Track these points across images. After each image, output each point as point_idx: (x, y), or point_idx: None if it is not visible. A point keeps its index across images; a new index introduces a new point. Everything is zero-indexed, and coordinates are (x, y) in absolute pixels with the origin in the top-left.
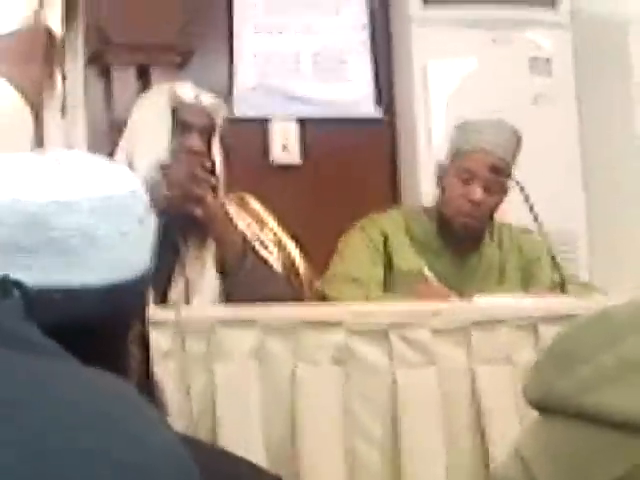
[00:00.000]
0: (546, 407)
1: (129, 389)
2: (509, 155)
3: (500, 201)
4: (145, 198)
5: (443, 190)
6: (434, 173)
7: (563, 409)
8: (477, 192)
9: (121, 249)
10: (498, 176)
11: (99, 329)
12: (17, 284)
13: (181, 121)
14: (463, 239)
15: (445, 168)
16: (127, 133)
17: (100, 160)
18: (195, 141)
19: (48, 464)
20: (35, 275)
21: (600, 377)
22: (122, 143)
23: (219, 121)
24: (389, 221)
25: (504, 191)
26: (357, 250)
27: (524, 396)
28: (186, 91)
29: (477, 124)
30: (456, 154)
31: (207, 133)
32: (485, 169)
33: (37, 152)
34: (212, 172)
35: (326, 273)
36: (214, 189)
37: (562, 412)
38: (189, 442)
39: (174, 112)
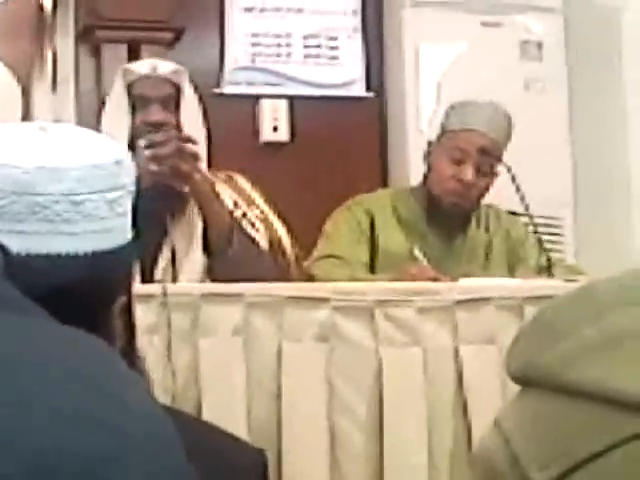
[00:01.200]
0: (527, 381)
1: (110, 350)
2: (501, 137)
3: (490, 184)
4: (131, 168)
5: (430, 168)
6: (423, 152)
7: (544, 383)
8: (468, 173)
9: (107, 217)
10: (489, 158)
11: (83, 297)
12: None
13: (139, 95)
14: (450, 220)
15: (434, 145)
16: (103, 116)
17: (86, 130)
18: (156, 114)
19: (30, 425)
20: (22, 241)
21: (582, 351)
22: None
23: (184, 88)
24: (375, 202)
25: (494, 174)
26: (343, 231)
27: (506, 370)
28: (141, 65)
29: (471, 104)
30: (447, 132)
31: (170, 103)
32: (477, 149)
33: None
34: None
35: (312, 254)
36: (196, 159)
37: (543, 386)
38: (172, 413)
39: (130, 88)
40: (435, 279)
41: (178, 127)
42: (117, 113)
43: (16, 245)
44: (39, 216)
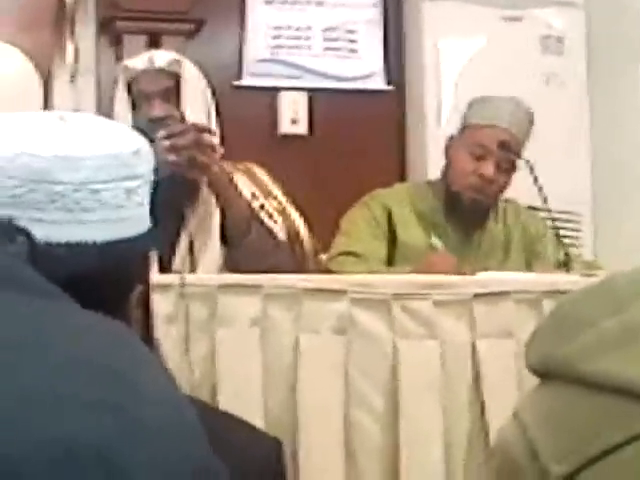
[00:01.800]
0: (547, 372)
1: (133, 336)
2: (522, 133)
3: (509, 180)
4: (150, 158)
5: (449, 162)
6: (444, 146)
7: (564, 375)
8: (490, 168)
9: (125, 207)
10: (510, 154)
11: (101, 286)
12: (21, 230)
13: (138, 92)
14: (469, 215)
15: (455, 139)
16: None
17: (105, 120)
18: (157, 109)
19: (44, 412)
20: (41, 229)
21: (603, 343)
22: None
23: (186, 76)
24: (393, 197)
25: (514, 170)
26: (360, 226)
27: (525, 362)
28: (137, 60)
29: (493, 99)
30: (468, 127)
31: (171, 94)
32: (498, 145)
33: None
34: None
35: (330, 249)
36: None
37: (563, 378)
38: (192, 402)
39: (130, 85)
40: (456, 267)
41: (182, 119)
42: (122, 112)
43: (38, 233)
44: (58, 204)
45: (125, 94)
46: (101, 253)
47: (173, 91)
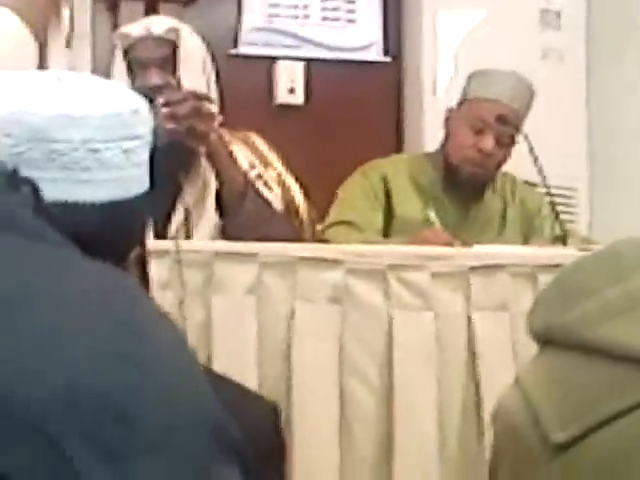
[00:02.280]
0: (550, 339)
1: (138, 286)
2: (523, 108)
3: (508, 154)
4: (149, 119)
5: (448, 135)
6: (444, 118)
7: (566, 341)
8: (489, 143)
9: (123, 167)
10: (510, 128)
11: (100, 246)
12: (27, 181)
13: (135, 59)
14: (467, 188)
15: (454, 112)
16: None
17: (102, 80)
18: (155, 77)
19: (62, 360)
20: (44, 188)
21: (605, 311)
22: None
23: (183, 44)
24: (391, 167)
25: (514, 144)
26: (357, 196)
27: (528, 329)
28: (135, 27)
29: (494, 73)
30: (468, 100)
31: (168, 63)
32: (498, 119)
33: (38, 71)
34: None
35: (326, 219)
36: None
37: (565, 345)
38: None
39: (126, 53)
40: (449, 244)
41: (178, 87)
42: (119, 78)
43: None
44: (57, 163)
45: (122, 61)
46: (100, 213)
47: (170, 59)
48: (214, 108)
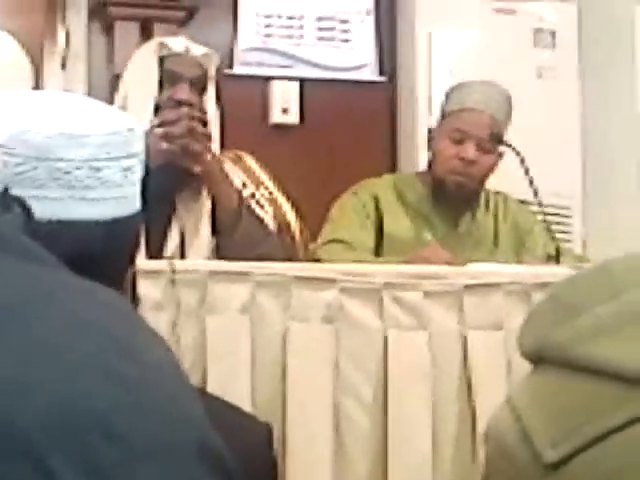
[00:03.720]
0: (541, 357)
1: (129, 304)
2: (500, 114)
3: (493, 162)
4: (142, 137)
5: (433, 153)
6: (427, 140)
7: (558, 359)
8: (469, 150)
9: (122, 185)
10: (490, 135)
11: (101, 264)
12: (17, 200)
13: (170, 71)
14: (456, 202)
15: (435, 131)
16: (121, 87)
17: (95, 100)
18: (184, 92)
19: (45, 377)
20: (43, 207)
21: (598, 328)
22: (116, 97)
23: (212, 73)
24: (381, 187)
25: (497, 152)
26: (348, 215)
27: (518, 347)
28: (176, 42)
29: (467, 84)
30: (446, 115)
31: (198, 85)
32: (477, 127)
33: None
34: (204, 124)
35: (319, 238)
36: (208, 139)
37: (556, 363)
38: None
39: (162, 62)
40: (449, 262)
41: (202, 110)
42: (147, 85)
43: (37, 211)
44: (60, 182)
45: (157, 68)
46: (102, 231)
47: (200, 82)
48: (215, 129)
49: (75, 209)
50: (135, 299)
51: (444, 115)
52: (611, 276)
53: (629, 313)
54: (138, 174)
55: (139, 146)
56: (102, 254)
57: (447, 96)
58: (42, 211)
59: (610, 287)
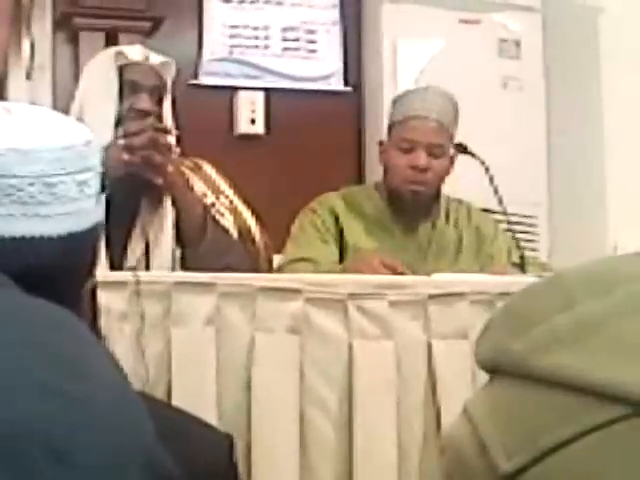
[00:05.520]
0: (497, 368)
1: (76, 321)
2: (444, 117)
3: (446, 166)
4: (98, 149)
5: (386, 165)
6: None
7: (513, 370)
8: (420, 157)
9: (78, 199)
10: (438, 139)
11: (55, 280)
12: None
13: (129, 81)
14: (413, 211)
15: (385, 143)
16: (77, 97)
17: (50, 111)
18: (145, 102)
19: None
20: (0, 224)
21: (554, 338)
22: (73, 107)
23: (169, 82)
24: (339, 200)
25: (448, 155)
26: (308, 232)
27: (475, 357)
28: (134, 50)
29: (409, 93)
30: (393, 126)
31: (157, 93)
32: (423, 135)
33: None
34: (166, 134)
35: (283, 251)
36: (170, 150)
37: (512, 373)
38: (143, 397)
39: (121, 72)
40: (397, 270)
41: (160, 118)
42: (106, 95)
43: None
44: (13, 198)
45: (116, 78)
46: (57, 247)
47: (157, 91)
48: (172, 140)
49: (29, 226)
50: (95, 311)
51: (391, 126)
52: (564, 287)
53: (584, 324)
54: (95, 187)
55: (95, 159)
56: (57, 269)
57: (392, 107)
58: None
59: (564, 298)
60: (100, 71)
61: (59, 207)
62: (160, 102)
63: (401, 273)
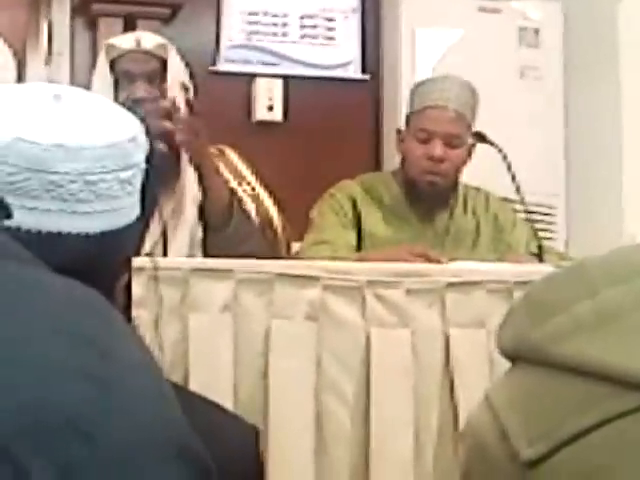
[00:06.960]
0: (519, 356)
1: (109, 305)
2: (462, 107)
3: (464, 156)
4: (145, 144)
5: (404, 154)
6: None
7: (536, 358)
8: (436, 148)
9: (118, 197)
10: (456, 129)
11: (91, 276)
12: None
13: (123, 72)
14: (430, 200)
15: (403, 132)
16: None
17: (99, 99)
18: (141, 90)
19: (14, 380)
20: (34, 218)
21: (576, 327)
22: None
23: (171, 60)
24: (357, 187)
25: (466, 145)
26: (328, 217)
27: (497, 345)
28: (124, 39)
29: (428, 82)
30: (411, 115)
31: (155, 77)
32: (440, 125)
33: (34, 85)
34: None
35: (304, 237)
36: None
37: (534, 361)
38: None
39: (113, 65)
40: (429, 258)
41: (164, 96)
42: (103, 90)
43: (28, 222)
44: (53, 194)
45: (108, 72)
46: (93, 244)
47: (157, 74)
48: (197, 122)
49: (67, 222)
50: (129, 304)
51: (409, 115)
52: (586, 276)
53: (605, 312)
54: (137, 184)
55: (140, 155)
56: (93, 267)
57: (410, 96)
58: (34, 223)
59: (586, 287)
60: (98, 71)
61: (98, 205)
62: (162, 83)
63: (436, 261)
